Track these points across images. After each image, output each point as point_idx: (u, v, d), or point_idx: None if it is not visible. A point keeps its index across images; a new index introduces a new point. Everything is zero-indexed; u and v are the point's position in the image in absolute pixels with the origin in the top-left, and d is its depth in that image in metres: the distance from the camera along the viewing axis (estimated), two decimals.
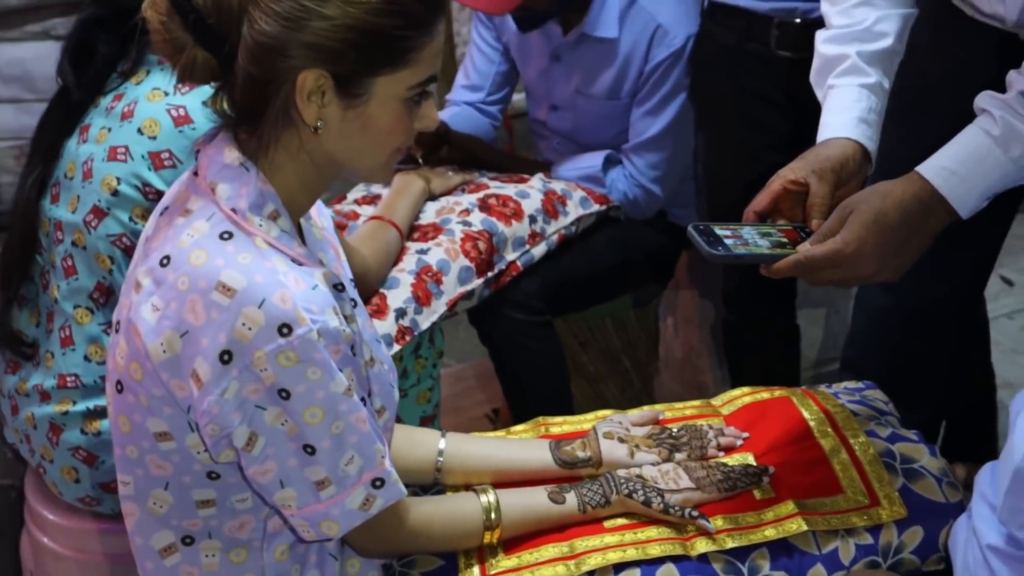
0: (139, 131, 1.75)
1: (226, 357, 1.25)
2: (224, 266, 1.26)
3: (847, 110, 1.63)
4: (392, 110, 1.31)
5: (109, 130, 1.78)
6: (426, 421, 2.24)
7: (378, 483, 1.36)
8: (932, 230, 1.52)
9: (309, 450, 1.30)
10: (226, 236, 1.29)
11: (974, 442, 2.40)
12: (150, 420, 1.33)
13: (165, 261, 1.30)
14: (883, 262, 1.49)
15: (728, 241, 1.48)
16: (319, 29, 1.24)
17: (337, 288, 1.35)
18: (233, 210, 1.30)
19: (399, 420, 2.17)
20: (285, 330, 1.25)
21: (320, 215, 1.55)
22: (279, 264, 1.28)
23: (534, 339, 2.33)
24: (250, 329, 1.24)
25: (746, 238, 1.50)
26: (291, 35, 1.24)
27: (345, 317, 1.35)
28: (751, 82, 2.30)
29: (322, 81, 1.27)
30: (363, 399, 1.36)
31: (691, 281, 2.92)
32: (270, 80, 1.27)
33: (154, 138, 1.73)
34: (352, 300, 1.45)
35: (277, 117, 1.30)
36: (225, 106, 1.33)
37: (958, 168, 1.50)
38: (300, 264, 1.31)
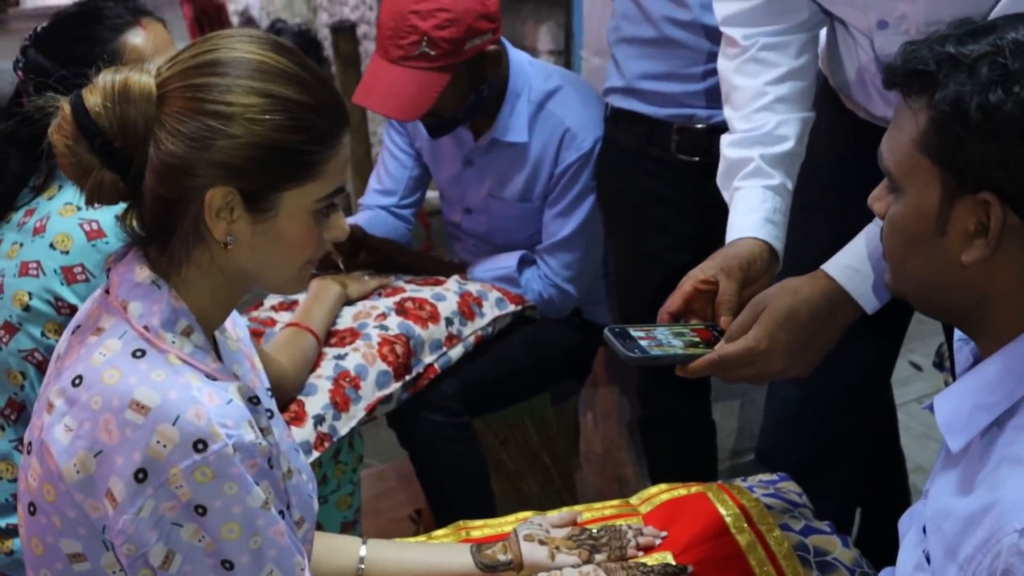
0: (51, 246, 1.74)
1: (141, 475, 1.24)
2: (137, 384, 1.26)
3: (753, 211, 1.68)
4: (301, 223, 1.33)
5: (21, 245, 1.77)
6: (347, 527, 2.23)
7: None
8: (839, 326, 1.57)
9: (227, 566, 1.29)
10: (139, 354, 1.29)
11: (889, 529, 2.44)
12: (63, 541, 1.31)
13: (77, 381, 1.29)
14: (794, 358, 1.52)
15: (643, 343, 1.50)
16: (225, 148, 1.26)
17: (252, 401, 1.35)
18: (145, 328, 1.30)
19: (319, 527, 2.17)
20: (200, 446, 1.25)
21: (235, 326, 1.56)
22: (193, 380, 1.28)
23: (453, 440, 2.33)
24: (165, 446, 1.24)
25: (660, 339, 1.52)
26: (197, 154, 1.26)
27: (261, 430, 1.35)
28: (653, 185, 2.35)
29: (230, 198, 1.28)
30: (281, 512, 1.35)
31: (609, 377, 2.95)
32: (178, 199, 1.29)
33: (67, 252, 1.73)
34: (268, 411, 1.45)
35: (187, 234, 1.31)
36: (135, 224, 1.34)
37: (860, 266, 1.55)
38: (214, 379, 1.31)
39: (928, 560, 1.25)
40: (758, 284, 1.62)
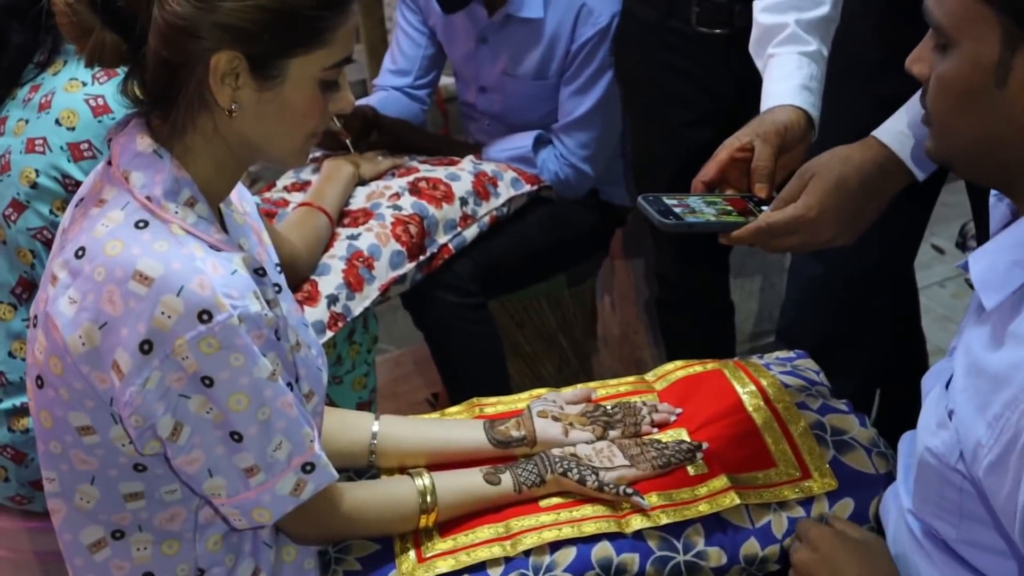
0: (57, 122, 1.71)
1: (146, 347, 1.23)
2: (140, 255, 1.24)
3: (788, 78, 1.64)
4: (307, 92, 1.30)
5: (27, 122, 1.74)
6: (362, 407, 2.22)
7: (308, 468, 1.35)
8: (889, 193, 1.54)
9: (236, 437, 1.29)
10: (141, 225, 1.27)
11: (907, 410, 2.42)
12: (72, 414, 1.31)
13: (80, 252, 1.27)
14: (842, 226, 1.50)
15: (677, 211, 1.48)
16: (232, 9, 1.22)
17: (258, 273, 1.33)
18: (148, 198, 1.28)
19: (334, 406, 2.17)
20: (205, 316, 1.23)
21: (242, 200, 1.53)
22: (196, 251, 1.26)
23: (468, 321, 2.32)
24: (169, 317, 1.22)
25: (694, 207, 1.50)
26: (203, 16, 1.22)
27: (268, 302, 1.33)
28: (673, 59, 2.29)
29: (236, 63, 1.25)
30: (289, 384, 1.34)
31: (626, 258, 2.93)
32: (182, 63, 1.25)
33: (72, 129, 1.70)
34: (276, 285, 1.44)
35: (191, 101, 1.28)
36: (137, 91, 1.31)
37: (915, 132, 1.51)
38: (218, 250, 1.29)
39: (950, 417, 1.23)
40: (794, 153, 1.58)
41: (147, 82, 1.29)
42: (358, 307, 2.08)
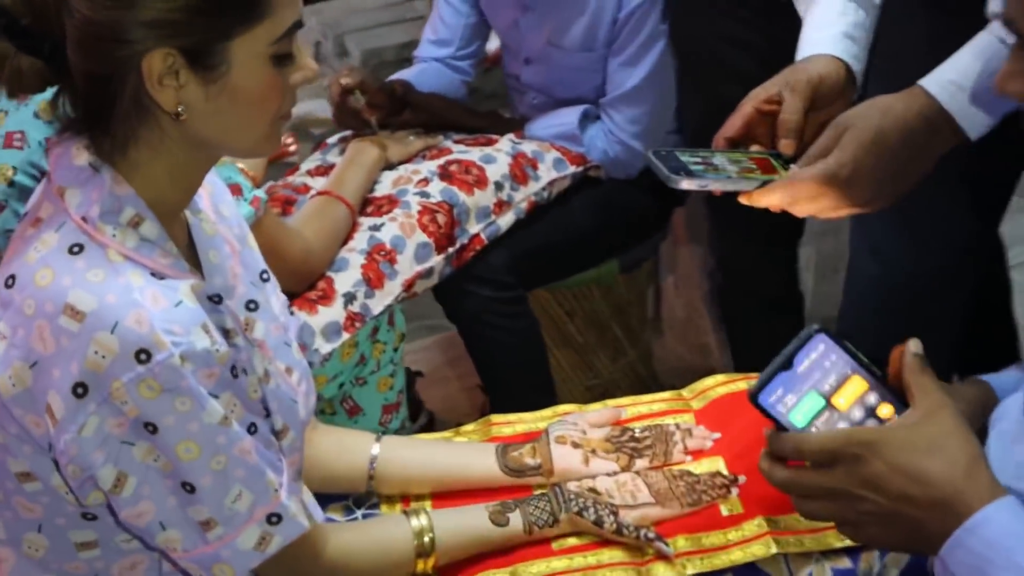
0: (35, 115, 1.59)
1: (80, 390, 1.08)
2: (71, 286, 1.09)
3: (830, 25, 1.47)
4: (259, 73, 1.13)
5: (5, 114, 1.62)
6: (389, 409, 2.08)
7: (274, 519, 1.19)
8: (935, 153, 1.35)
9: (188, 488, 1.14)
10: (76, 250, 1.11)
11: None
12: (10, 460, 1.17)
13: (11, 281, 1.13)
14: (880, 188, 1.32)
15: (693, 168, 1.32)
16: (154, 2, 1.06)
17: (213, 300, 1.18)
18: (84, 219, 1.13)
19: (358, 411, 2.03)
20: (143, 356, 1.08)
21: (219, 204, 1.36)
22: (135, 279, 1.11)
23: (505, 317, 2.15)
24: (104, 357, 1.08)
25: (715, 164, 1.34)
26: (123, 16, 1.06)
27: (226, 332, 1.18)
28: (730, 27, 2.10)
29: (171, 60, 1.09)
30: (253, 424, 1.19)
31: (690, 238, 2.73)
32: (111, 73, 1.10)
33: (51, 122, 1.56)
34: (252, 303, 1.28)
35: (128, 112, 1.12)
36: (69, 111, 1.15)
37: (967, 83, 1.32)
38: (162, 277, 1.13)
39: None
40: (831, 110, 1.40)
41: (78, 101, 1.14)
42: (378, 305, 1.92)
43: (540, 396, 2.17)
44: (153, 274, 1.13)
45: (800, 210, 1.34)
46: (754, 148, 1.40)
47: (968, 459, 0.97)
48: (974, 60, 1.33)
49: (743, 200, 1.34)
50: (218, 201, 1.36)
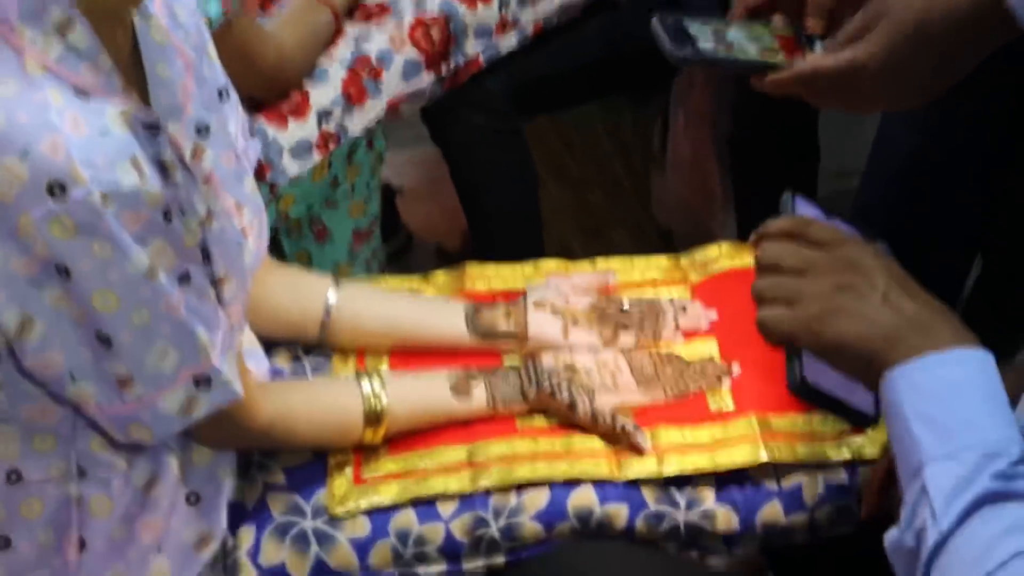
0: None
1: None
2: None
3: None
4: None
5: None
6: (361, 236, 1.92)
7: (203, 383, 1.05)
8: (984, 49, 1.13)
9: (104, 340, 0.99)
10: None
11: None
12: None
13: None
14: (913, 87, 1.12)
15: (702, 44, 1.14)
16: None
17: (150, 129, 1.00)
18: (1, 20, 0.94)
19: (328, 233, 1.87)
20: (57, 190, 0.91)
21: (177, 4, 1.16)
22: (54, 97, 0.93)
23: (496, 148, 1.97)
24: (11, 186, 0.91)
25: (729, 39, 1.15)
26: None
27: (163, 165, 1.01)
28: None
29: None
30: (187, 273, 1.03)
31: (707, 77, 2.53)
32: None
33: None
34: (203, 127, 1.11)
35: None
36: None
37: None
38: (87, 96, 0.96)
39: None
40: None
41: None
42: (357, 126, 1.73)
43: (526, 238, 2.02)
44: (77, 93, 0.95)
45: (821, 103, 1.16)
46: (779, 23, 1.20)
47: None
48: None
49: (754, 84, 1.15)
50: (173, 3, 1.17)
